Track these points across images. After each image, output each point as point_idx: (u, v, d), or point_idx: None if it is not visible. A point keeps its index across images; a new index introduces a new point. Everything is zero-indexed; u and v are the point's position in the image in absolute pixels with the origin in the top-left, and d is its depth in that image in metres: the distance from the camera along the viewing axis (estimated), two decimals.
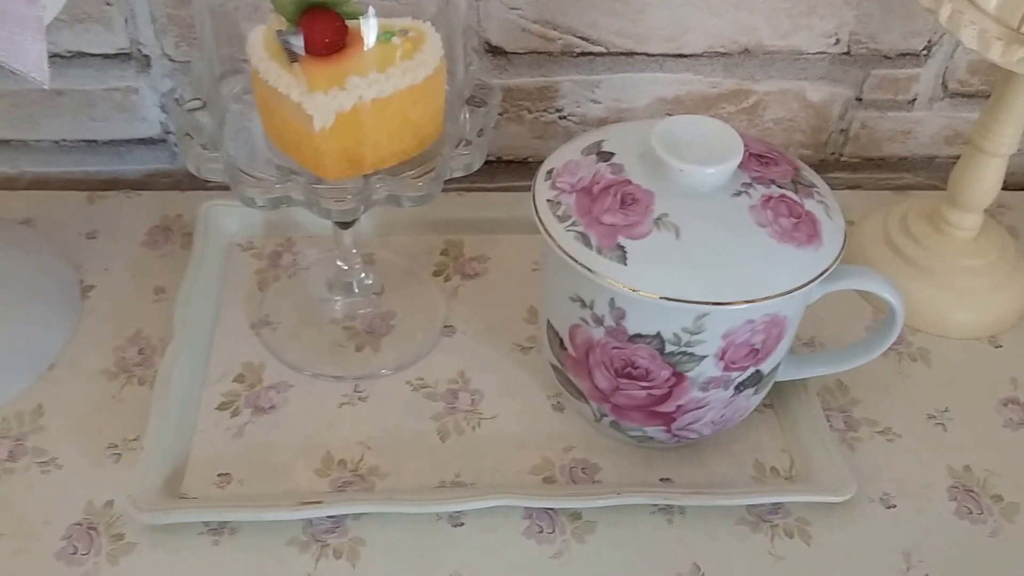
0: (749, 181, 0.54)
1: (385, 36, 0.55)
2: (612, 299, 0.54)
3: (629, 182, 0.54)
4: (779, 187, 0.55)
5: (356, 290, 0.72)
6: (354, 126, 0.55)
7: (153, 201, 0.82)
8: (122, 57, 0.80)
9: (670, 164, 0.53)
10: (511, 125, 0.87)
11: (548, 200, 0.56)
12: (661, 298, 0.51)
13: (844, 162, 0.93)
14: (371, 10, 0.54)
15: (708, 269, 0.52)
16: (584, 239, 0.53)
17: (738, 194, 0.54)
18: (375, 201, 0.58)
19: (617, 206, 0.53)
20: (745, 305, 0.51)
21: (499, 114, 0.85)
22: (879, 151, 0.93)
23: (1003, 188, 0.74)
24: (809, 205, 0.55)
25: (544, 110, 0.87)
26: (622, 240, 0.52)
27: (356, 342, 0.70)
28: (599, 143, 0.58)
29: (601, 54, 0.83)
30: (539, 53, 0.83)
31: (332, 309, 0.73)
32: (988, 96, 0.71)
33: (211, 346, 0.70)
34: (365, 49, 0.54)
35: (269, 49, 0.55)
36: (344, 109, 0.54)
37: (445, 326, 0.73)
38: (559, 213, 0.55)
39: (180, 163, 0.87)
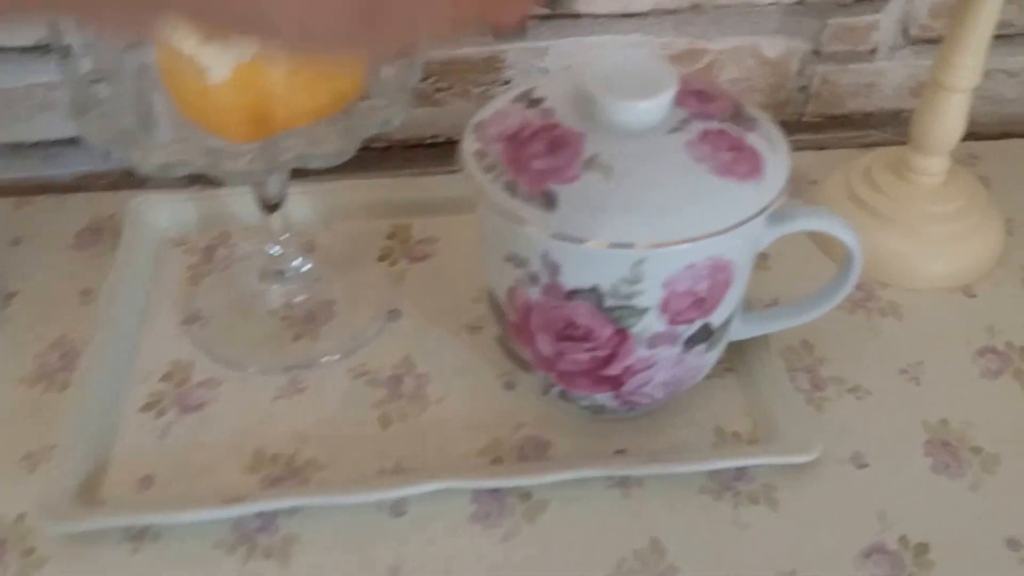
0: (686, 117, 0.51)
1: None
2: (545, 252, 0.50)
3: (558, 125, 0.51)
4: (718, 121, 0.51)
5: (290, 277, 0.68)
6: (257, 79, 0.51)
7: (84, 203, 0.78)
8: (42, 50, 0.76)
9: (599, 101, 0.50)
10: (457, 101, 0.83)
11: (475, 152, 0.52)
12: (590, 243, 0.47)
13: (807, 122, 0.90)
14: None
15: (641, 210, 0.48)
16: (511, 188, 0.50)
17: (674, 131, 0.50)
18: (284, 162, 0.53)
19: (546, 151, 0.50)
20: (683, 246, 0.48)
21: (445, 89, 0.82)
22: (842, 108, 0.89)
23: (974, 138, 0.70)
24: (750, 139, 0.51)
25: (491, 83, 0.83)
26: (551, 186, 0.49)
27: (293, 332, 0.66)
28: (530, 91, 0.55)
29: (545, 17, 0.79)
30: None
31: (267, 300, 0.69)
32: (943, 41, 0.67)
33: (137, 345, 0.66)
34: None
35: None
36: (243, 59, 0.50)
37: (390, 311, 0.69)
38: (486, 164, 0.51)
39: (114, 163, 0.83)
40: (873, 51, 0.86)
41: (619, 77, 0.51)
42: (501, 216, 0.50)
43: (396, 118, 0.56)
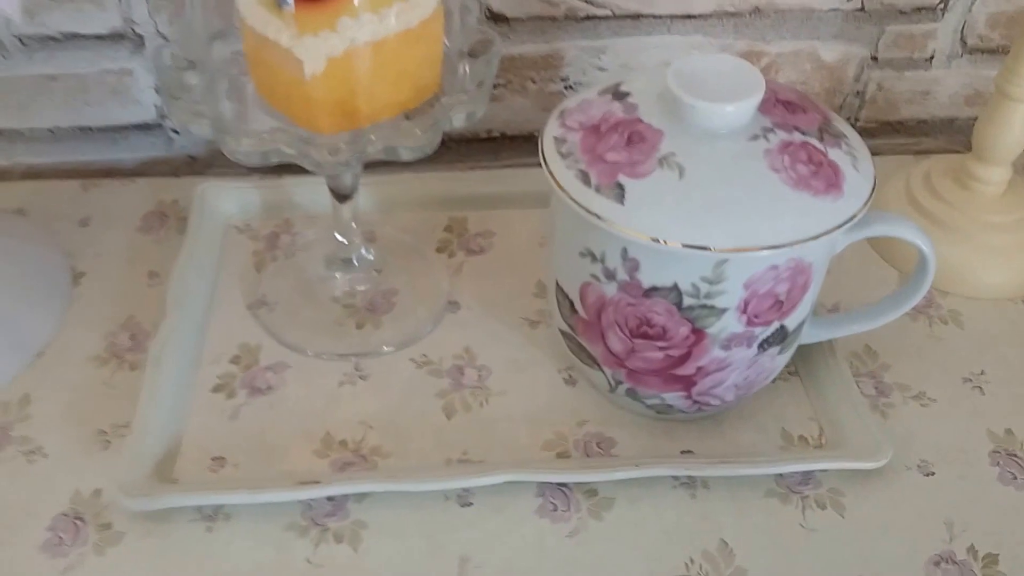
0: (770, 126, 0.51)
1: None
2: (624, 248, 0.50)
3: (640, 121, 0.51)
4: (802, 134, 0.51)
5: (356, 264, 0.69)
6: (347, 73, 0.52)
7: (149, 187, 0.79)
8: (115, 37, 0.77)
9: (683, 101, 0.50)
10: (515, 97, 0.84)
11: (555, 137, 0.53)
12: (651, 239, 0.48)
13: (861, 127, 0.90)
14: None
15: (718, 212, 0.48)
16: (584, 177, 0.50)
17: (755, 138, 0.50)
18: (370, 153, 0.54)
19: (623, 144, 0.50)
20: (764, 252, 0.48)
21: (503, 84, 0.82)
22: (897, 114, 0.89)
23: None
24: (834, 155, 0.51)
25: (549, 79, 0.83)
26: (622, 178, 0.49)
27: (356, 320, 0.67)
28: (618, 84, 0.55)
29: (607, 17, 0.80)
30: (542, 19, 0.79)
31: (331, 287, 0.69)
32: (1009, 52, 0.67)
33: (206, 328, 0.66)
34: None
35: None
36: (336, 53, 0.51)
37: (449, 302, 0.69)
38: (563, 150, 0.52)
39: (177, 149, 0.84)
40: (930, 59, 0.85)
41: (706, 79, 0.51)
42: (570, 202, 0.50)
43: (478, 111, 0.57)
